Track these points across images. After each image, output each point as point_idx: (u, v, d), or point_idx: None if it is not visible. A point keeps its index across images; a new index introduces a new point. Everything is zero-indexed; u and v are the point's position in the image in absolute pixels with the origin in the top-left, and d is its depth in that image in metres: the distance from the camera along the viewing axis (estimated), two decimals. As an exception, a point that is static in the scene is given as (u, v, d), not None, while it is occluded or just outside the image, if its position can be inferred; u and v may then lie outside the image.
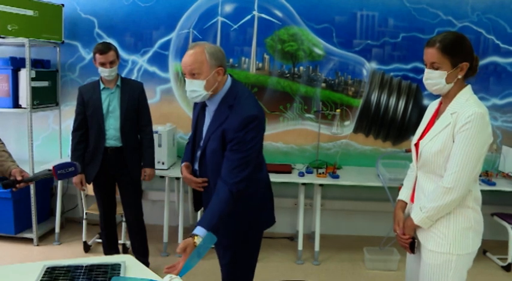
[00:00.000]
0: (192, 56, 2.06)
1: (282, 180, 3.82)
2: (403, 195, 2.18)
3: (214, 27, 4.33)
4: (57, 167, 2.00)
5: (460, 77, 1.90)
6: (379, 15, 4.27)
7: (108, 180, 3.44)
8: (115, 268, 1.85)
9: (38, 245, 4.10)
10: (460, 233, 1.90)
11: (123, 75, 3.54)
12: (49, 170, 2.02)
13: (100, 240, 3.84)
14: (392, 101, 4.33)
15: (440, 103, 2.04)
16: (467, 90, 1.92)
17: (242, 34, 4.32)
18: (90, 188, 3.61)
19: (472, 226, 1.91)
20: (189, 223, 4.47)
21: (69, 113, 4.37)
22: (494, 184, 3.78)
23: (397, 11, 4.25)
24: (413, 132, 2.15)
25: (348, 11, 4.27)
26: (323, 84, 4.36)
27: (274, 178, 3.61)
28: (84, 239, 4.02)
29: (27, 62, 3.96)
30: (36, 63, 4.24)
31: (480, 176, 3.84)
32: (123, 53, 4.31)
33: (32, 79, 4.04)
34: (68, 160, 3.49)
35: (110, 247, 3.63)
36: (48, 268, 1.84)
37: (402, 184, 2.25)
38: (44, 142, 4.59)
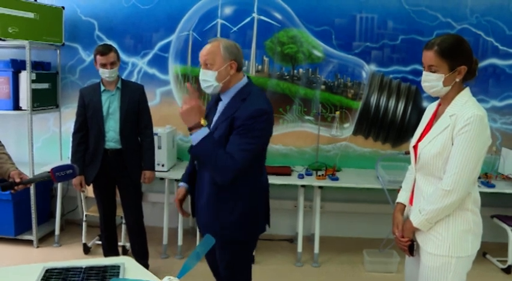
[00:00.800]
0: (208, 48, 2.16)
1: (281, 182, 3.83)
2: (402, 197, 2.18)
3: (214, 30, 4.34)
4: (55, 170, 2.01)
5: (457, 80, 1.90)
6: (379, 18, 4.28)
7: (108, 182, 3.45)
8: (114, 269, 1.86)
9: (37, 247, 4.11)
10: (459, 236, 1.90)
11: (123, 78, 3.55)
12: (48, 172, 2.03)
13: (100, 242, 3.84)
14: (392, 103, 4.34)
15: (439, 105, 2.04)
16: (466, 92, 1.92)
17: (242, 36, 4.32)
18: (89, 190, 3.61)
19: (471, 229, 1.91)
20: (189, 225, 4.48)
21: (70, 115, 4.38)
22: (493, 186, 3.78)
23: (396, 14, 4.26)
24: (412, 135, 2.15)
25: (347, 14, 4.29)
26: (322, 87, 4.37)
27: (273, 180, 3.63)
28: (84, 241, 4.02)
29: (28, 64, 3.97)
30: (36, 65, 4.25)
31: (480, 178, 3.84)
32: (123, 55, 4.32)
33: (33, 81, 4.05)
34: (68, 162, 3.50)
35: (110, 249, 3.63)
36: (47, 270, 1.84)
37: (401, 186, 2.25)
38: (44, 144, 4.60)
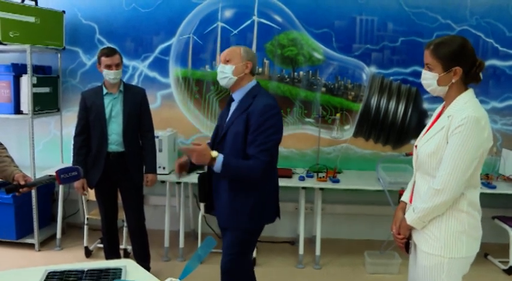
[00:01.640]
0: (230, 48, 2.50)
1: (282, 184, 3.77)
2: (405, 196, 2.20)
3: (215, 33, 4.35)
4: (60, 172, 2.02)
5: (454, 81, 1.90)
6: (378, 20, 4.29)
7: (110, 185, 3.45)
8: (116, 272, 1.86)
9: (39, 250, 4.11)
10: (452, 236, 1.89)
11: (124, 81, 3.56)
12: (49, 175, 2.03)
13: (101, 245, 3.84)
14: (392, 105, 4.35)
15: (444, 107, 2.05)
16: (468, 94, 1.92)
17: (242, 39, 4.34)
18: (91, 193, 3.62)
19: (465, 230, 1.90)
20: (190, 227, 4.48)
21: (71, 118, 4.39)
22: (494, 187, 3.78)
23: (396, 15, 4.27)
24: (413, 136, 2.18)
25: (347, 16, 4.30)
26: (323, 89, 4.38)
27: (274, 182, 3.63)
28: (85, 244, 4.02)
29: (29, 68, 3.99)
30: (37, 69, 4.26)
31: (480, 179, 3.84)
32: (123, 59, 4.31)
33: (34, 85, 4.06)
34: (69, 165, 3.51)
35: (111, 252, 3.63)
36: (49, 273, 1.85)
37: (403, 188, 2.27)
38: (45, 147, 4.61)
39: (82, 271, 1.86)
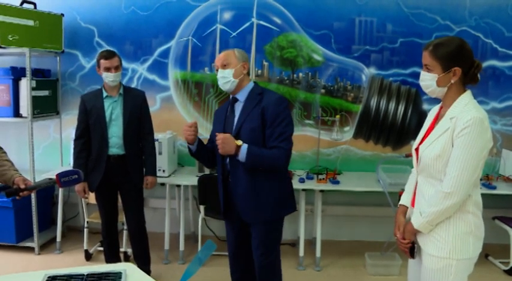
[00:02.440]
0: (224, 53, 2.56)
1: (282, 186, 3.82)
2: (405, 200, 2.19)
3: (214, 35, 4.35)
4: (61, 175, 2.02)
5: (453, 81, 1.90)
6: (378, 21, 4.30)
7: (110, 188, 3.44)
8: (116, 276, 1.85)
9: (39, 254, 4.11)
10: (460, 238, 1.89)
11: (123, 84, 3.56)
12: (50, 178, 2.03)
13: (101, 248, 3.83)
14: (392, 106, 4.34)
15: (441, 108, 2.05)
16: (467, 95, 1.92)
17: (241, 41, 4.34)
18: (91, 197, 3.61)
19: (472, 231, 1.90)
20: (190, 230, 4.48)
21: (70, 122, 4.39)
22: (495, 188, 3.77)
23: (395, 17, 4.27)
24: (413, 137, 2.17)
25: (346, 17, 4.30)
26: (322, 90, 4.38)
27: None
28: (85, 248, 4.01)
29: (28, 72, 3.99)
30: (36, 72, 4.26)
31: (481, 180, 3.84)
32: (122, 62, 4.31)
33: (33, 88, 4.06)
34: (69, 168, 3.50)
35: (112, 255, 3.62)
36: (48, 277, 1.84)
37: (403, 189, 2.25)
38: (44, 151, 4.61)
39: (82, 275, 1.86)
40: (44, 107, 4.26)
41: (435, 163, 1.90)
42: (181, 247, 4.01)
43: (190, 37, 4.38)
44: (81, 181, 2.13)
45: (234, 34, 4.34)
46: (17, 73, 4.10)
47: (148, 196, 4.42)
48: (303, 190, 3.92)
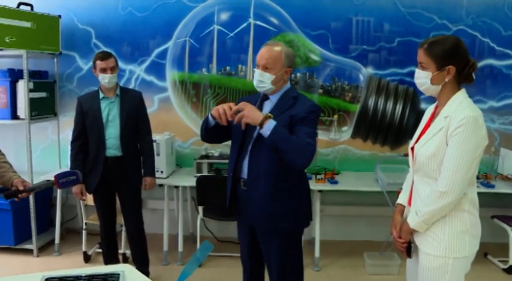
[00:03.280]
0: (271, 52, 2.29)
1: (281, 186, 3.81)
2: (402, 199, 2.19)
3: (211, 36, 4.35)
4: (59, 176, 2.01)
5: (447, 80, 1.91)
6: (375, 21, 4.30)
7: (108, 189, 3.44)
8: (114, 277, 1.85)
9: (37, 256, 4.10)
10: (456, 237, 1.89)
11: (120, 85, 3.55)
12: (48, 180, 2.03)
13: (100, 250, 3.83)
14: (390, 105, 4.35)
15: (436, 107, 2.05)
16: (461, 93, 1.93)
17: (238, 42, 4.34)
18: (89, 198, 3.60)
19: (468, 230, 1.90)
20: (189, 231, 4.47)
21: (68, 123, 4.38)
22: (493, 186, 3.78)
23: (392, 16, 4.27)
24: (411, 137, 2.16)
25: (343, 17, 4.30)
26: (320, 90, 4.38)
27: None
28: (84, 250, 4.01)
29: (25, 74, 3.98)
30: (34, 74, 4.25)
31: (479, 178, 3.85)
32: (120, 63, 4.29)
33: (30, 90, 4.05)
34: (67, 170, 3.50)
35: (110, 257, 3.62)
36: (47, 279, 1.83)
37: (401, 188, 2.25)
38: (42, 152, 4.60)
39: (79, 277, 1.85)
40: (42, 109, 4.26)
41: (430, 161, 1.90)
42: (180, 248, 4.00)
43: (187, 38, 4.37)
44: (80, 181, 2.13)
45: (231, 35, 4.34)
46: (14, 75, 4.09)
47: (147, 197, 4.42)
48: (302, 190, 3.91)
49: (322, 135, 4.38)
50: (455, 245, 1.89)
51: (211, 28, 4.35)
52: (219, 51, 4.36)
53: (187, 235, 4.38)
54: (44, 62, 4.48)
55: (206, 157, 4.13)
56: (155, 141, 3.81)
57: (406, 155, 2.21)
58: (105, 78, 3.27)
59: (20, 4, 4.09)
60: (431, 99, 2.06)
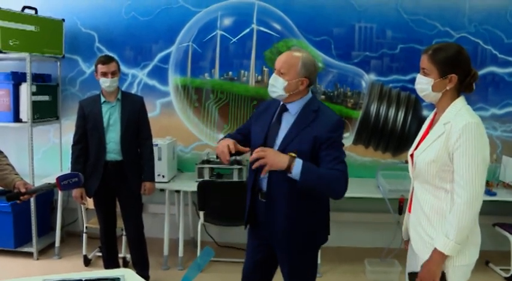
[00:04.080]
0: (288, 57, 2.18)
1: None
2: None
3: (214, 41, 4.36)
4: (61, 178, 2.02)
5: (448, 88, 1.91)
6: (377, 27, 4.31)
7: (108, 194, 3.44)
8: (114, 282, 1.85)
9: (38, 259, 4.09)
10: None
11: (123, 89, 3.56)
12: (49, 183, 2.03)
13: (100, 254, 3.82)
14: (392, 112, 4.35)
15: (435, 114, 2.05)
16: (460, 101, 1.93)
17: (241, 47, 4.35)
18: (90, 202, 3.60)
19: (468, 238, 1.88)
20: (190, 235, 4.46)
21: (70, 127, 4.37)
22: (495, 194, 3.77)
23: (395, 23, 4.28)
24: (412, 143, 2.15)
25: (346, 23, 4.31)
26: (322, 96, 4.38)
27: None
28: (84, 253, 4.01)
29: (28, 77, 3.99)
30: (37, 77, 4.26)
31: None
32: (123, 67, 4.33)
33: (33, 93, 4.06)
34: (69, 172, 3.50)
35: (110, 261, 3.61)
36: (47, 283, 1.83)
37: (403, 195, 2.24)
38: (44, 155, 4.60)
39: (80, 281, 1.85)
40: (44, 112, 4.26)
41: (429, 167, 1.90)
42: (181, 252, 3.99)
43: (190, 43, 4.39)
44: (82, 183, 2.13)
45: (234, 40, 4.35)
46: (17, 78, 4.11)
47: (148, 202, 4.42)
48: (303, 195, 3.91)
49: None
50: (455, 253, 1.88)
51: (214, 33, 4.36)
52: (222, 56, 4.37)
53: (187, 239, 4.37)
54: (47, 65, 4.50)
55: (207, 161, 4.13)
56: (157, 145, 3.81)
57: (408, 162, 2.20)
58: (105, 82, 3.27)
59: (24, 8, 4.11)
60: (433, 107, 2.06)
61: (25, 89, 4.05)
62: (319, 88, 4.37)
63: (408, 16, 4.26)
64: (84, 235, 4.01)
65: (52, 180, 2.01)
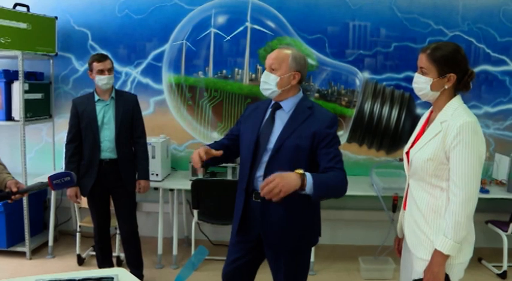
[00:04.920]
0: (278, 53, 2.21)
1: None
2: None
3: (208, 39, 4.35)
4: (53, 177, 2.00)
5: (446, 87, 1.91)
6: (371, 26, 4.31)
7: (102, 192, 3.42)
8: (108, 281, 1.84)
9: (30, 258, 4.06)
10: None
11: (116, 87, 3.55)
12: (41, 182, 2.01)
13: (94, 253, 3.80)
14: (386, 110, 4.36)
15: (431, 112, 2.06)
16: (457, 100, 1.93)
17: (235, 45, 4.34)
18: (84, 201, 3.59)
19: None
20: (184, 234, 4.45)
21: (63, 125, 4.36)
22: (487, 192, 3.79)
23: (389, 21, 4.29)
24: (406, 142, 2.16)
25: (340, 22, 4.31)
26: (316, 95, 4.38)
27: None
28: (77, 252, 3.98)
29: (20, 75, 3.96)
30: (29, 75, 4.23)
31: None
32: (116, 65, 4.31)
33: (25, 91, 4.03)
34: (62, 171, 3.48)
35: (104, 260, 3.60)
36: (40, 282, 1.82)
37: (397, 193, 2.25)
38: (37, 154, 4.57)
39: (73, 280, 1.84)
40: (37, 111, 4.23)
41: (426, 165, 1.90)
42: (175, 251, 3.98)
43: (184, 41, 4.37)
44: (74, 183, 2.11)
45: (228, 38, 4.34)
46: (9, 76, 4.07)
47: (142, 200, 4.40)
48: (297, 194, 3.91)
49: (318, 140, 4.38)
50: None
51: (208, 31, 4.34)
52: (216, 54, 4.36)
53: (182, 238, 4.37)
54: (39, 63, 4.46)
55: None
56: (150, 144, 3.80)
57: (402, 160, 2.21)
58: (103, 80, 3.25)
59: (16, 5, 4.08)
60: (427, 104, 2.06)
61: (17, 87, 4.02)
62: (313, 86, 4.37)
63: (402, 14, 4.27)
64: (78, 234, 3.98)
65: (45, 179, 1.99)
